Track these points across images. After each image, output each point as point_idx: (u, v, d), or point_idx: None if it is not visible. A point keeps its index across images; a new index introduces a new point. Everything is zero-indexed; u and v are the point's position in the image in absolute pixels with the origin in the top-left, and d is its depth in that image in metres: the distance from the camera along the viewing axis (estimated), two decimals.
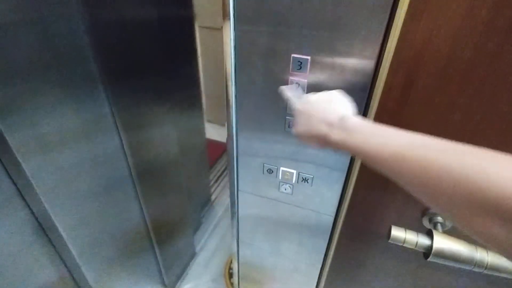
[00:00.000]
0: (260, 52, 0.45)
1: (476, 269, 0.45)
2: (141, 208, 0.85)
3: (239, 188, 0.63)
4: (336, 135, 0.33)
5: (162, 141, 0.90)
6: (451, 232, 0.48)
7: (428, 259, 0.47)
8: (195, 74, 1.16)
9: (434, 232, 0.47)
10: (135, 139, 0.75)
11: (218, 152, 1.76)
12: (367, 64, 0.41)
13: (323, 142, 0.35)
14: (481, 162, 0.21)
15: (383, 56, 0.39)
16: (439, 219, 0.51)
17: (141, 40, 0.72)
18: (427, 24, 0.36)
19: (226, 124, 0.56)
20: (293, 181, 0.56)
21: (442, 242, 0.46)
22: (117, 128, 0.69)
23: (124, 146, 0.72)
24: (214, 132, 1.37)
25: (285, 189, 0.58)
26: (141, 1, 0.69)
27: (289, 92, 0.43)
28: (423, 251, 0.48)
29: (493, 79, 0.37)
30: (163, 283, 1.10)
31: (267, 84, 0.48)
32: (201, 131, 1.32)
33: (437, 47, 0.37)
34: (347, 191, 0.53)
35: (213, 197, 1.52)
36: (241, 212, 0.68)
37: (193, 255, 1.26)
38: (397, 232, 0.49)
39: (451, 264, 0.46)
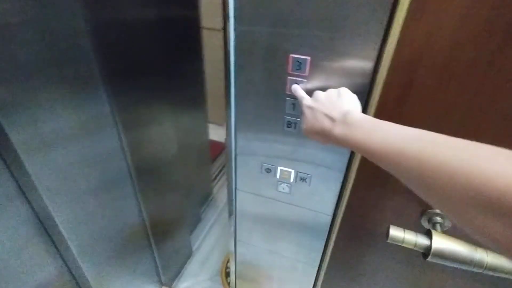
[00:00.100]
0: (260, 53, 0.45)
1: (476, 269, 0.45)
2: (140, 207, 0.85)
3: (237, 187, 0.63)
4: (338, 129, 0.34)
5: (162, 140, 0.90)
6: (450, 232, 0.48)
7: (427, 259, 0.47)
8: (199, 74, 1.16)
9: (433, 232, 0.47)
10: (135, 138, 0.75)
11: (215, 152, 1.76)
12: (366, 64, 0.41)
13: (326, 137, 0.36)
14: (478, 157, 0.21)
15: (382, 56, 0.39)
16: (438, 219, 0.51)
17: (142, 39, 0.72)
18: (427, 24, 0.36)
19: (225, 124, 0.56)
20: (291, 180, 0.56)
21: (441, 242, 0.46)
22: (117, 127, 0.69)
23: (124, 145, 0.73)
24: (211, 132, 1.37)
25: (283, 189, 0.58)
26: (143, 1, 0.69)
27: (300, 90, 0.44)
28: (422, 251, 0.48)
29: (493, 79, 0.37)
30: (160, 281, 1.11)
31: (267, 84, 0.48)
32: (204, 130, 1.32)
33: (437, 47, 0.37)
34: (345, 191, 0.53)
35: (210, 196, 1.52)
36: (239, 211, 0.68)
37: (190, 254, 1.26)
38: (395, 232, 0.49)
39: (450, 264, 0.46)
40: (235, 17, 0.44)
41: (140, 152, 0.79)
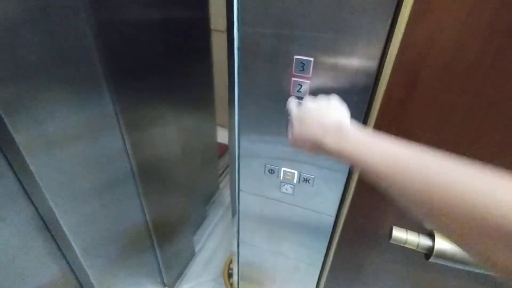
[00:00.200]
0: (264, 54, 0.46)
1: (477, 270, 0.45)
2: (143, 208, 0.85)
3: (240, 188, 0.64)
4: (330, 140, 0.33)
5: (166, 141, 0.90)
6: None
7: (430, 260, 0.47)
8: (207, 76, 1.16)
9: (436, 233, 0.48)
10: (138, 139, 0.76)
11: (223, 150, 1.76)
12: (370, 65, 0.41)
13: (317, 147, 0.35)
14: (487, 185, 0.21)
15: (386, 56, 0.39)
16: None
17: (148, 40, 0.73)
18: (430, 25, 0.36)
19: (228, 125, 0.56)
20: (294, 182, 0.57)
21: (443, 243, 0.46)
22: (120, 128, 0.70)
23: (127, 146, 0.73)
24: (219, 135, 1.39)
25: (286, 190, 0.58)
26: (149, 2, 0.69)
27: (293, 103, 0.44)
28: (425, 251, 0.48)
29: (495, 80, 0.37)
30: (162, 282, 1.11)
31: (270, 85, 0.48)
32: (212, 131, 1.32)
33: (440, 48, 0.37)
34: (348, 192, 0.53)
35: (217, 191, 1.52)
36: (242, 212, 0.68)
37: (192, 255, 1.26)
38: (398, 233, 0.49)
39: (452, 264, 0.46)
40: (239, 18, 0.44)
41: (144, 153, 0.79)
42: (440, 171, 0.24)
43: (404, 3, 0.36)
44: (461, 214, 0.21)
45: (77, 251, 0.66)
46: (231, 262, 1.20)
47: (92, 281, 0.72)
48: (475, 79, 0.38)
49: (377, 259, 0.61)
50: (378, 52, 0.40)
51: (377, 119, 0.45)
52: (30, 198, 0.57)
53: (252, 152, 0.57)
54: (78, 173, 0.62)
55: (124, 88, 0.67)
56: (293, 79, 0.46)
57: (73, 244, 0.64)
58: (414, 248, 0.48)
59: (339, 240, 0.61)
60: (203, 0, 1.01)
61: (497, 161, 0.42)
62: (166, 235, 1.01)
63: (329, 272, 0.68)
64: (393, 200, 0.28)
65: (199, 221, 1.38)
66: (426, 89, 0.40)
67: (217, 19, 1.18)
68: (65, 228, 0.61)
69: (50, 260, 0.64)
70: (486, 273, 0.45)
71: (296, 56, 0.44)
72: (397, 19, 0.37)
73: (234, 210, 0.69)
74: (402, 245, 0.49)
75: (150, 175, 0.84)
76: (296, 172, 0.55)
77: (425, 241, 0.48)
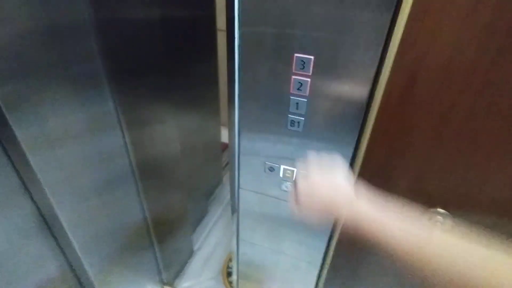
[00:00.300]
0: (264, 52, 0.46)
1: None
2: (142, 206, 0.86)
3: (240, 186, 0.64)
4: (347, 217, 0.36)
5: (166, 140, 0.90)
6: (451, 232, 0.48)
7: None
8: (211, 75, 1.15)
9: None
10: (139, 137, 0.76)
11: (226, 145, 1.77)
12: (370, 63, 0.41)
13: (330, 212, 0.38)
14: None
15: (385, 55, 0.40)
16: (439, 218, 0.51)
17: (151, 39, 0.73)
18: (430, 25, 0.37)
19: (228, 123, 0.57)
20: (294, 179, 0.57)
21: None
22: (121, 126, 0.70)
23: (127, 144, 0.73)
24: (223, 134, 1.39)
25: (286, 187, 0.59)
26: (151, 1, 0.69)
27: (297, 175, 0.45)
28: None
29: (495, 80, 0.37)
30: (161, 280, 1.11)
31: (270, 83, 0.48)
32: (216, 130, 1.32)
33: (439, 48, 0.38)
34: None
35: (213, 194, 1.53)
36: (242, 209, 0.68)
37: (191, 253, 1.26)
38: None
39: None
40: (239, 17, 0.45)
41: (144, 151, 0.79)
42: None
43: (404, 3, 0.36)
44: None
45: (77, 248, 0.66)
46: (230, 260, 1.20)
47: (91, 278, 0.72)
48: (475, 79, 0.38)
49: (376, 257, 0.61)
50: (378, 51, 0.40)
51: (376, 118, 0.45)
52: (30, 195, 0.57)
53: (252, 150, 0.57)
54: (78, 170, 0.62)
55: (125, 86, 0.68)
56: (293, 77, 0.46)
57: (72, 241, 0.64)
58: None
59: (338, 238, 0.61)
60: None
61: (496, 161, 0.42)
62: (165, 233, 1.01)
63: (329, 270, 0.68)
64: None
65: (199, 218, 1.38)
66: (425, 89, 0.41)
67: (221, 19, 1.18)
68: (65, 225, 0.61)
69: (49, 257, 0.65)
70: None
71: (296, 54, 0.44)
72: (396, 18, 0.37)
73: (234, 208, 0.69)
74: None
75: (150, 173, 0.84)
76: (296, 170, 0.56)
77: None
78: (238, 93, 0.52)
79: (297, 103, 0.48)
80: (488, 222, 0.47)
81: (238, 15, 0.45)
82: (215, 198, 1.51)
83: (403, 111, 0.44)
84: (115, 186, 0.74)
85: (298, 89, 0.47)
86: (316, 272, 0.70)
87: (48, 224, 0.62)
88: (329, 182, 0.39)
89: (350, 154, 0.50)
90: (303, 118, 0.49)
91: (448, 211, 0.50)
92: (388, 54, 0.39)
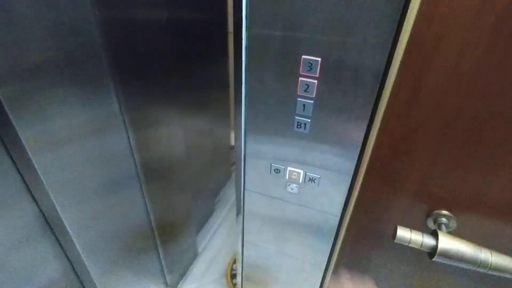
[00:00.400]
0: (271, 55, 0.46)
1: (480, 269, 0.46)
2: (146, 208, 0.85)
3: (246, 187, 0.64)
4: None
5: (173, 142, 0.90)
6: (455, 233, 0.49)
7: (433, 259, 0.47)
8: (222, 78, 1.15)
9: (439, 233, 0.48)
10: (144, 139, 0.76)
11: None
12: (376, 65, 0.41)
13: None
14: None
15: (392, 57, 0.40)
16: (444, 220, 0.51)
17: (159, 40, 0.72)
18: (437, 27, 0.37)
19: (234, 125, 0.57)
20: (300, 181, 0.57)
21: (447, 242, 0.47)
22: (126, 127, 0.70)
23: (132, 145, 0.73)
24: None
25: (292, 189, 0.59)
26: (158, 2, 0.69)
27: None
28: (428, 251, 0.49)
29: (502, 82, 0.38)
30: (165, 282, 1.10)
31: (277, 85, 0.49)
32: (225, 133, 1.31)
33: (446, 50, 0.38)
34: (353, 192, 0.54)
35: (217, 197, 1.52)
36: (247, 211, 0.68)
37: (195, 255, 1.26)
38: (402, 232, 0.50)
39: (455, 264, 0.47)
40: (246, 19, 0.45)
41: (149, 153, 0.79)
42: None
43: (411, 5, 0.36)
44: None
45: (80, 250, 0.65)
46: (234, 262, 1.20)
47: (95, 281, 0.72)
48: (481, 82, 0.38)
49: (381, 258, 0.61)
50: (385, 53, 0.40)
51: (382, 120, 0.45)
52: (33, 196, 0.56)
53: (258, 152, 0.57)
54: (82, 172, 0.62)
55: (131, 87, 0.68)
56: (300, 79, 0.46)
57: (76, 243, 0.64)
58: (418, 247, 0.49)
59: (343, 239, 0.61)
60: (220, 2, 1.00)
61: (502, 164, 0.42)
62: (169, 235, 1.00)
63: (333, 272, 0.68)
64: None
65: (204, 220, 1.38)
66: (432, 91, 0.41)
67: (230, 22, 1.18)
68: (68, 227, 0.61)
69: (52, 259, 0.64)
70: (488, 272, 0.46)
71: (303, 56, 0.44)
72: (403, 21, 0.38)
73: (239, 209, 0.69)
74: (406, 244, 0.49)
75: (155, 175, 0.84)
76: (301, 172, 0.56)
77: (429, 241, 0.48)
78: (245, 95, 0.52)
79: (303, 105, 0.48)
80: (493, 224, 0.47)
81: (246, 17, 0.45)
82: (220, 199, 1.51)
83: (409, 113, 0.44)
84: (119, 188, 0.73)
85: (305, 90, 0.47)
86: (321, 274, 0.70)
87: (51, 226, 0.61)
88: None
89: (356, 156, 0.50)
90: (309, 120, 0.49)
91: (452, 213, 0.50)
92: (394, 55, 0.40)
